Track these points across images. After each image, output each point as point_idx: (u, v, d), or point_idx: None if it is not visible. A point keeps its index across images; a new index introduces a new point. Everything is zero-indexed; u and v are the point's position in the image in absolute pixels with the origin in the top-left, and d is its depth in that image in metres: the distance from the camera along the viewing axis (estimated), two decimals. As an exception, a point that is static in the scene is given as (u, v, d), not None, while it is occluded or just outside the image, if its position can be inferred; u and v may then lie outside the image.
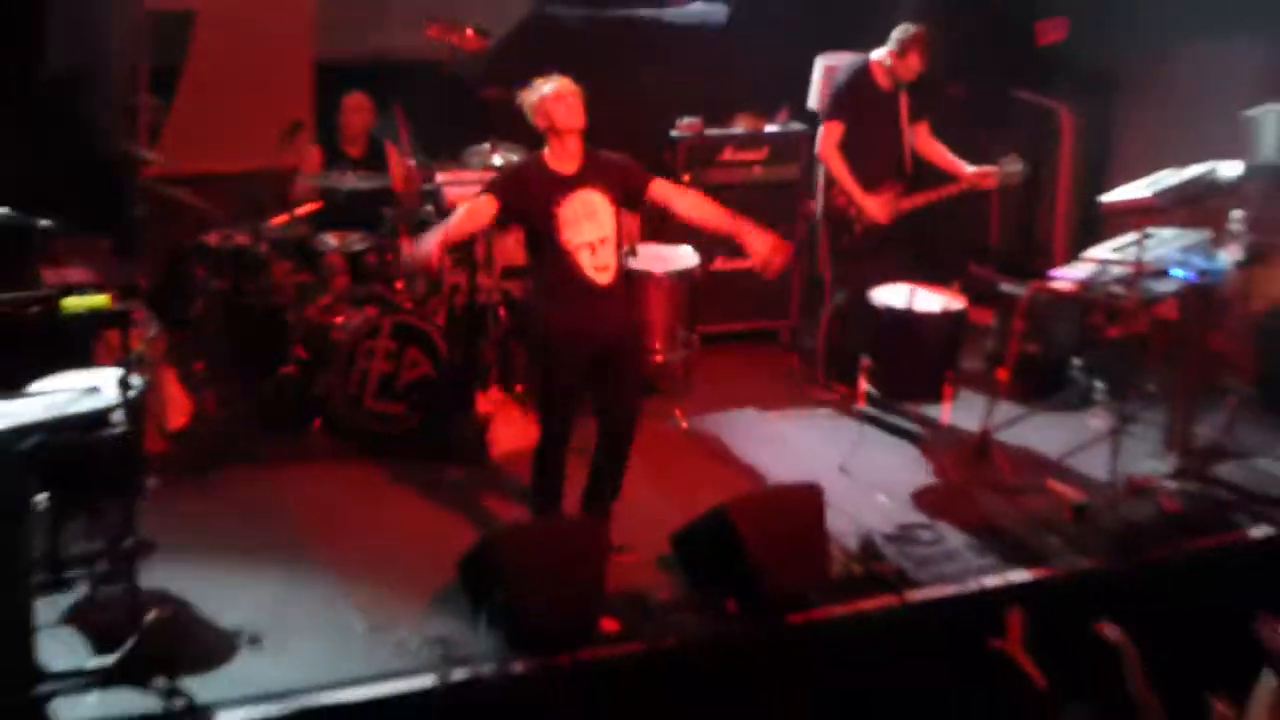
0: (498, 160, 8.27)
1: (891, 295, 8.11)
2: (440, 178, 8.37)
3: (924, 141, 8.55)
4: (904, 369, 8.20)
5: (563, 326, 6.67)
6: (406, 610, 6.48)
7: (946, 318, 8.11)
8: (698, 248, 8.65)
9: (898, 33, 8.31)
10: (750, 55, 10.04)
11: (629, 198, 6.76)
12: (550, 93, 6.52)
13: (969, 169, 8.48)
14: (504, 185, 6.67)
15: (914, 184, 8.49)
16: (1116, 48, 9.84)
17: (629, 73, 9.12)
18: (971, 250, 8.50)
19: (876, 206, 8.35)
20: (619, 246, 6.71)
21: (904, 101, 8.44)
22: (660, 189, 6.81)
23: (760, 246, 6.76)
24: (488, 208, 6.56)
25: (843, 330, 8.66)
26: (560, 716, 5.92)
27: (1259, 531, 7.49)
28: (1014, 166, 8.51)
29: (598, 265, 6.60)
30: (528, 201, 6.56)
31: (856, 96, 8.42)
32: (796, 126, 9.55)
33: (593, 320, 6.66)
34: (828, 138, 8.41)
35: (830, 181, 8.47)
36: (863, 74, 8.43)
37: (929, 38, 8.27)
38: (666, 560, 6.81)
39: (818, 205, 8.60)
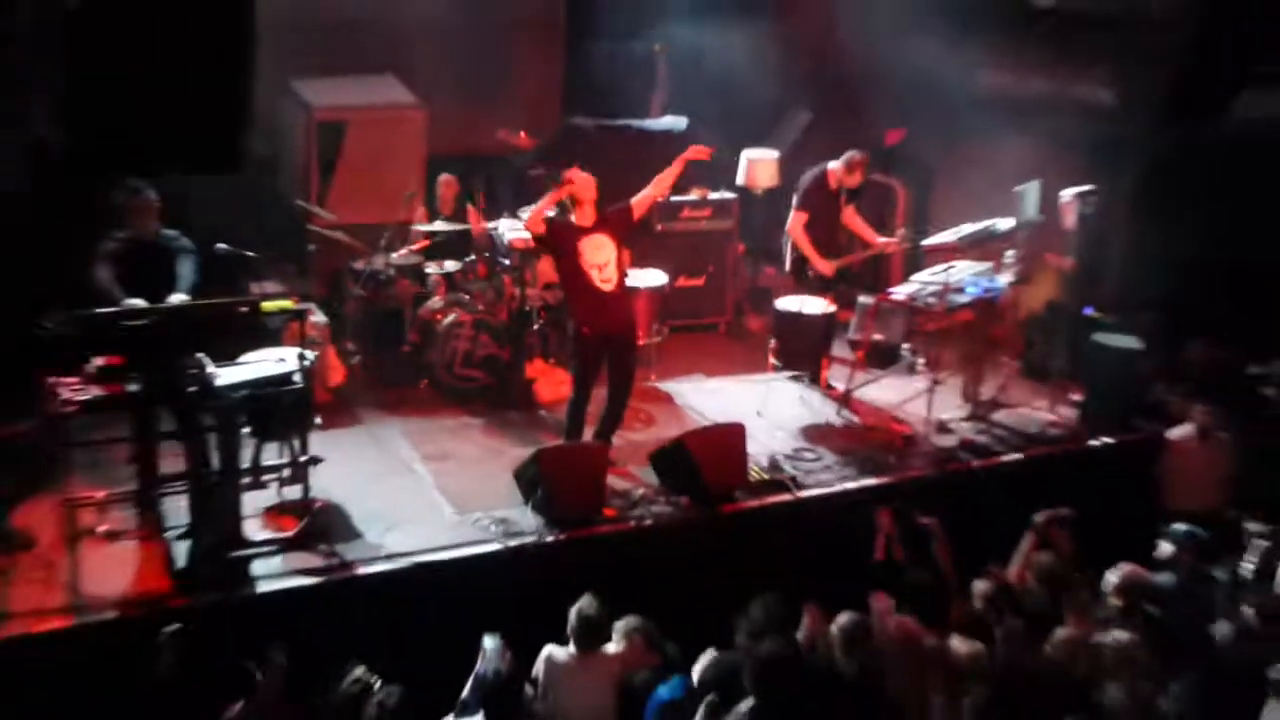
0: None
1: (790, 302, 8.01)
2: (501, 225, 8.26)
3: (850, 219, 8.24)
4: (797, 349, 8.12)
5: (582, 319, 6.69)
6: (480, 501, 6.40)
7: (825, 317, 8.05)
8: (665, 271, 8.48)
9: (847, 155, 7.95)
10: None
11: (629, 227, 6.76)
12: (576, 180, 6.64)
13: (880, 239, 8.26)
14: (554, 220, 6.70)
15: (845, 248, 8.26)
16: (933, 147, 9.71)
17: (623, 160, 8.97)
18: (842, 276, 8.39)
19: (827, 266, 8.07)
20: (620, 268, 6.70)
21: (842, 197, 8.17)
22: (636, 201, 6.76)
23: (691, 155, 6.75)
24: (541, 218, 6.61)
25: None
26: (579, 570, 5.84)
27: (1021, 455, 7.45)
28: (905, 233, 8.43)
29: (603, 279, 6.63)
30: (561, 237, 6.64)
31: (816, 195, 8.06)
32: (729, 195, 9.36)
33: (600, 315, 6.66)
34: (796, 222, 8.05)
35: (796, 250, 8.15)
36: (820, 179, 8.07)
37: (868, 160, 8.03)
38: (646, 471, 6.73)
39: (787, 263, 8.25)
